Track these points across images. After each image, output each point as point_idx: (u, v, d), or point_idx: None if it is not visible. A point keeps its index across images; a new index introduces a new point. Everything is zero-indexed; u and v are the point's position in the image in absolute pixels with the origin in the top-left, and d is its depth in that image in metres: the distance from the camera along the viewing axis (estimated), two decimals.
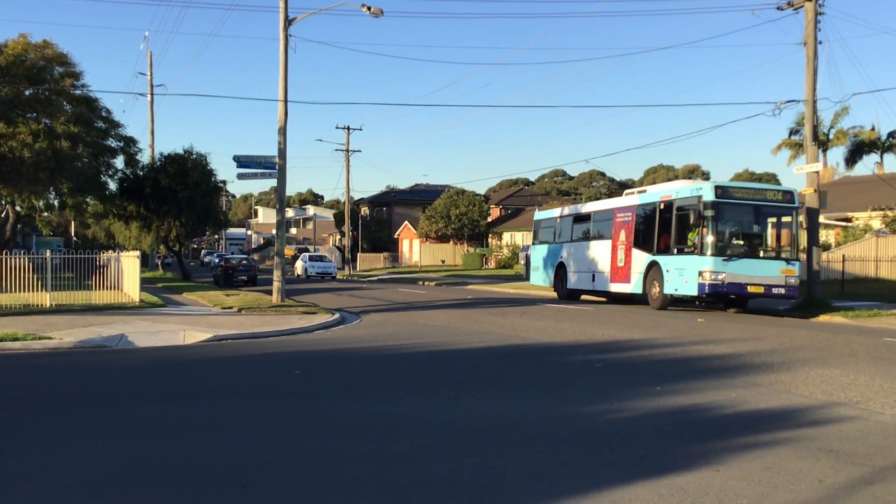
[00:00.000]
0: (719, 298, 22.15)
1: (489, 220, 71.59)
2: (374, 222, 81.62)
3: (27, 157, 27.60)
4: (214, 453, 6.52)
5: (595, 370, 11.20)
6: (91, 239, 59.00)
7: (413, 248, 75.37)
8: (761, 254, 21.13)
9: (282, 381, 10.62)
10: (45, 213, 44.70)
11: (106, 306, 21.45)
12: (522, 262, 50.63)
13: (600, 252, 25.91)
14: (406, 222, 77.29)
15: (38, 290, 21.63)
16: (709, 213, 20.58)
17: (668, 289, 21.83)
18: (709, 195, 20.72)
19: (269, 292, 24.91)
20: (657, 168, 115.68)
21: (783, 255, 21.08)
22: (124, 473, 5.91)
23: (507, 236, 67.02)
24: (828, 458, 6.21)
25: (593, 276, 26.34)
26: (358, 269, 67.68)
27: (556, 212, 31.57)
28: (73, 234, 68.66)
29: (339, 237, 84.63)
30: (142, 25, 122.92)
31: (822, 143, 43.98)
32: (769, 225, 21.50)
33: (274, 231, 33.20)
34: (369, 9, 23.30)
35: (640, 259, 23.32)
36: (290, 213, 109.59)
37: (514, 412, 8.13)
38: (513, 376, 10.86)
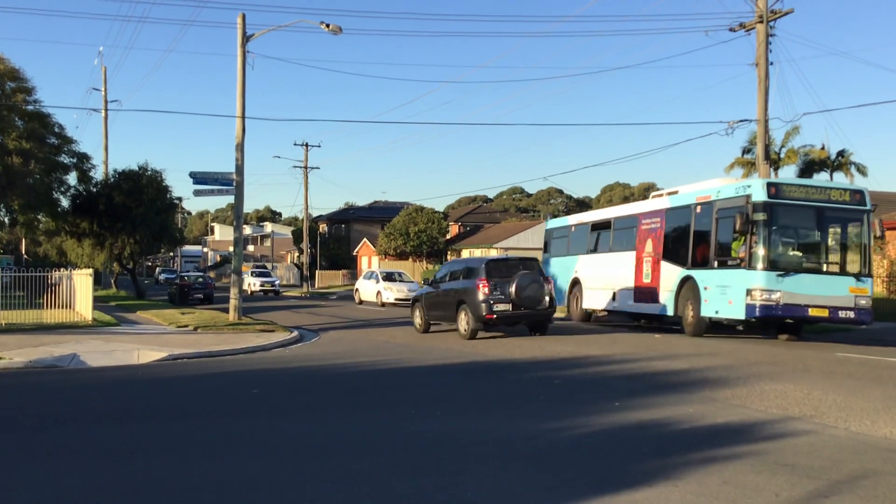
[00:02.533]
0: (771, 323, 18.01)
1: (448, 237, 71.72)
2: (333, 239, 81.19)
3: None
4: (169, 475, 6.39)
5: (554, 386, 11.23)
6: (42, 257, 57.74)
7: (372, 266, 75.07)
8: (825, 268, 17.36)
9: (239, 400, 10.47)
10: None
11: (58, 325, 21.01)
12: None
13: (622, 265, 22.02)
14: (365, 239, 77.05)
15: None
16: (759, 216, 16.74)
17: (707, 310, 17.85)
18: (759, 194, 16.85)
19: (226, 310, 24.63)
20: (613, 186, 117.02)
21: (852, 270, 17.22)
22: (72, 497, 5.77)
23: (465, 253, 67.13)
24: (784, 472, 6.28)
25: (614, 294, 22.44)
26: (316, 286, 67.18)
27: (570, 219, 28.06)
28: (23, 252, 67.08)
29: (297, 254, 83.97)
30: (96, 41, 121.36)
31: (774, 162, 44.78)
32: (834, 232, 17.75)
33: (231, 248, 32.82)
34: (328, 26, 23.28)
35: (671, 273, 19.51)
36: (247, 230, 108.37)
37: (474, 429, 8.11)
38: (473, 393, 10.85)
